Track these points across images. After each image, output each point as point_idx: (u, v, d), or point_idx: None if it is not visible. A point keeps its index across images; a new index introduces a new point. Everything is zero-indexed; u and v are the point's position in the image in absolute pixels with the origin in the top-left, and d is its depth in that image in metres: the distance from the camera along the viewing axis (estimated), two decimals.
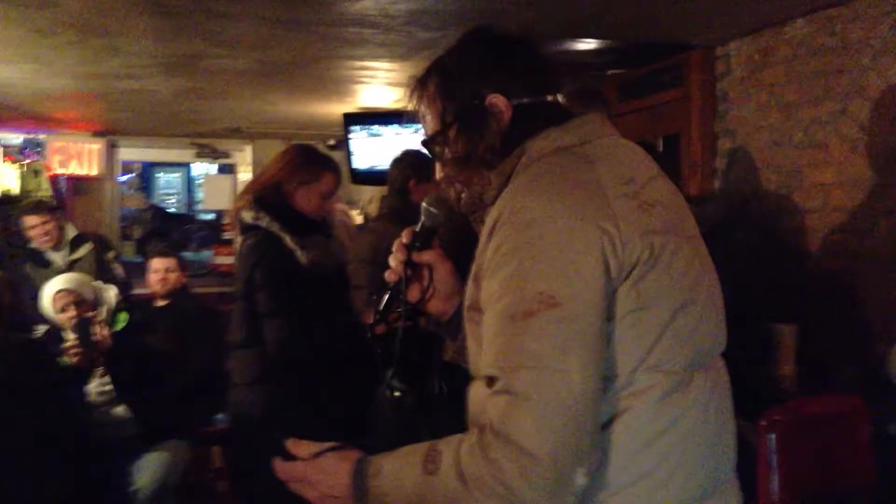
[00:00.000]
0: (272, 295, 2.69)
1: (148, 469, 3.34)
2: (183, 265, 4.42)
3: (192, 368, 3.78)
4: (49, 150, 7.82)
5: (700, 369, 1.19)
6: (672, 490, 1.15)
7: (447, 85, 1.32)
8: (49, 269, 4.56)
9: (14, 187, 6.80)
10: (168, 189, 17.64)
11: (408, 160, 3.44)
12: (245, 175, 8.75)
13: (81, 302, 3.46)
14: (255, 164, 8.41)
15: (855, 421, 2.42)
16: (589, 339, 1.08)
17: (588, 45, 4.17)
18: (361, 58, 4.52)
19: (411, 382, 1.76)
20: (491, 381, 1.10)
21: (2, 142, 7.23)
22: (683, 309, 1.16)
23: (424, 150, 1.40)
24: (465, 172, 1.32)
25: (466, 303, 1.27)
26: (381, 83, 5.30)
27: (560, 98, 1.32)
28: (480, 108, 1.29)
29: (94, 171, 8.18)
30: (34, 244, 4.73)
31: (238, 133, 8.14)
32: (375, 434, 2.44)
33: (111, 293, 3.73)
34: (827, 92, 3.46)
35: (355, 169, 6.28)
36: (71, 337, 3.31)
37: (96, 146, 8.16)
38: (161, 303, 4.27)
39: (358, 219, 6.86)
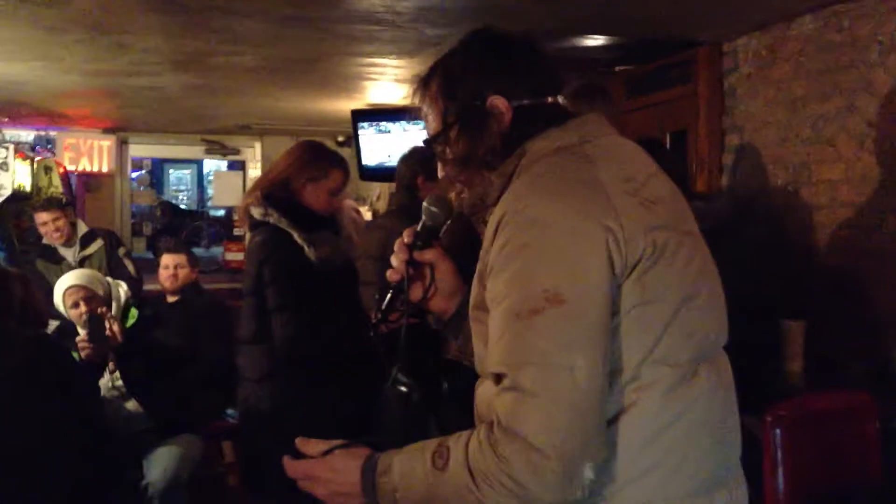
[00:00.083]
0: (281, 291, 2.70)
1: (159, 463, 3.37)
2: (193, 261, 4.45)
3: (202, 364, 3.81)
4: (60, 146, 7.88)
5: (704, 362, 1.21)
6: (679, 482, 1.17)
7: (449, 85, 1.34)
8: (60, 266, 4.60)
9: (26, 184, 6.84)
10: (179, 185, 17.71)
11: (416, 157, 3.45)
12: (255, 171, 8.79)
13: (92, 298, 3.49)
14: (265, 160, 8.44)
15: (862, 417, 2.42)
16: (594, 335, 1.09)
17: (596, 41, 4.17)
18: (370, 54, 4.54)
19: (417, 378, 1.78)
20: (498, 378, 1.12)
21: (13, 139, 7.29)
22: (686, 303, 1.18)
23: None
24: (466, 173, 1.34)
25: (471, 302, 1.29)
26: (389, 80, 5.31)
27: (561, 99, 1.34)
28: (481, 109, 1.30)
29: (104, 168, 8.23)
30: (46, 240, 4.77)
31: (247, 130, 8.17)
32: (382, 430, 2.46)
33: (122, 289, 3.75)
34: (834, 88, 3.45)
35: (364, 165, 6.29)
36: (82, 332, 3.34)
37: (107, 143, 8.20)
38: (172, 299, 4.30)
39: (367, 215, 6.89)
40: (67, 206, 5.01)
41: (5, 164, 6.45)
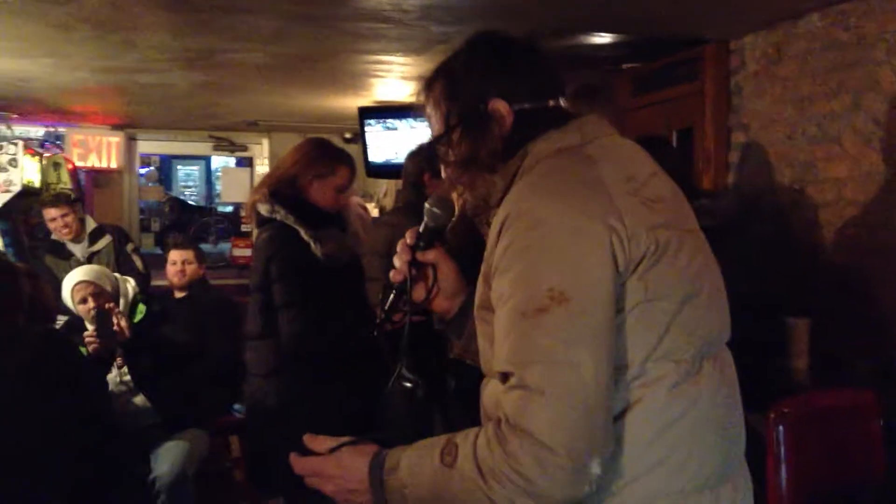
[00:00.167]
0: (287, 287, 2.72)
1: (167, 458, 3.39)
2: (201, 257, 4.47)
3: (209, 359, 3.83)
4: (69, 143, 7.90)
5: (708, 358, 1.22)
6: (686, 477, 1.18)
7: (452, 88, 1.35)
8: (69, 261, 4.63)
9: (35, 180, 6.87)
10: (187, 181, 17.74)
11: (423, 154, 3.46)
12: (262, 168, 8.80)
13: (101, 293, 3.51)
14: (272, 157, 8.45)
15: (866, 415, 2.43)
16: (600, 333, 1.11)
17: (602, 38, 4.17)
18: (376, 52, 4.55)
19: (421, 375, 1.79)
20: (505, 376, 1.14)
21: (22, 135, 7.31)
22: (689, 300, 1.19)
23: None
24: (468, 175, 1.36)
25: (476, 303, 1.30)
26: (396, 77, 5.32)
27: (562, 102, 1.35)
28: (483, 112, 1.31)
29: (113, 164, 8.26)
30: (54, 236, 4.80)
31: (255, 126, 8.18)
32: (387, 426, 2.48)
33: (130, 285, 3.78)
34: (841, 86, 3.45)
35: (370, 162, 6.31)
36: (90, 328, 3.36)
37: (115, 139, 8.23)
38: (179, 294, 4.32)
39: (374, 211, 6.90)
40: (76, 202, 5.03)
41: (14, 160, 6.47)
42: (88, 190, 8.20)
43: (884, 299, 3.25)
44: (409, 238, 1.47)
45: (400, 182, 3.69)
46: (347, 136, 7.68)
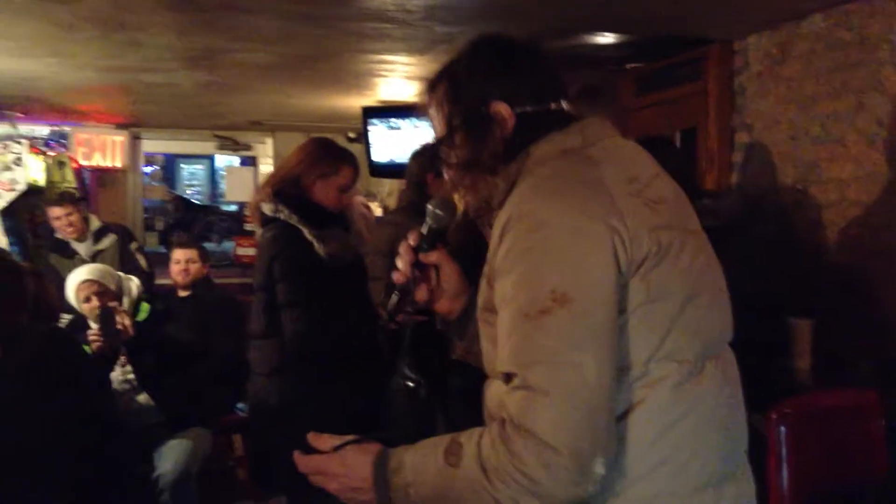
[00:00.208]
0: (291, 287, 2.73)
1: (170, 456, 3.40)
2: (204, 256, 4.48)
3: (213, 358, 3.84)
4: (74, 142, 7.91)
5: (711, 358, 1.23)
6: (689, 476, 1.19)
7: (454, 90, 1.36)
8: (73, 260, 4.63)
9: (40, 179, 6.88)
10: (191, 180, 17.76)
11: (426, 154, 3.46)
12: (266, 167, 8.82)
13: (105, 292, 3.52)
14: (276, 156, 8.47)
15: (869, 415, 2.43)
16: (602, 334, 1.12)
17: (606, 38, 4.17)
18: (380, 52, 4.56)
19: (424, 374, 1.81)
20: (508, 377, 1.14)
21: (27, 134, 7.33)
22: (691, 300, 1.20)
23: None
24: (469, 177, 1.36)
25: (479, 304, 1.31)
26: (400, 77, 5.33)
27: (564, 104, 1.35)
28: (485, 115, 1.32)
29: (117, 163, 8.28)
30: (59, 235, 4.81)
31: (259, 126, 8.20)
32: (390, 425, 2.49)
33: (134, 284, 3.78)
34: (844, 87, 3.45)
35: (374, 162, 6.32)
36: (94, 326, 3.37)
37: (120, 138, 8.25)
38: (183, 293, 4.33)
39: (378, 211, 6.91)
40: (80, 200, 5.04)
41: (19, 159, 6.49)
42: (93, 189, 8.22)
43: (887, 300, 3.25)
44: (411, 239, 1.48)
45: (403, 181, 3.69)
46: (351, 135, 7.69)
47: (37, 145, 7.21)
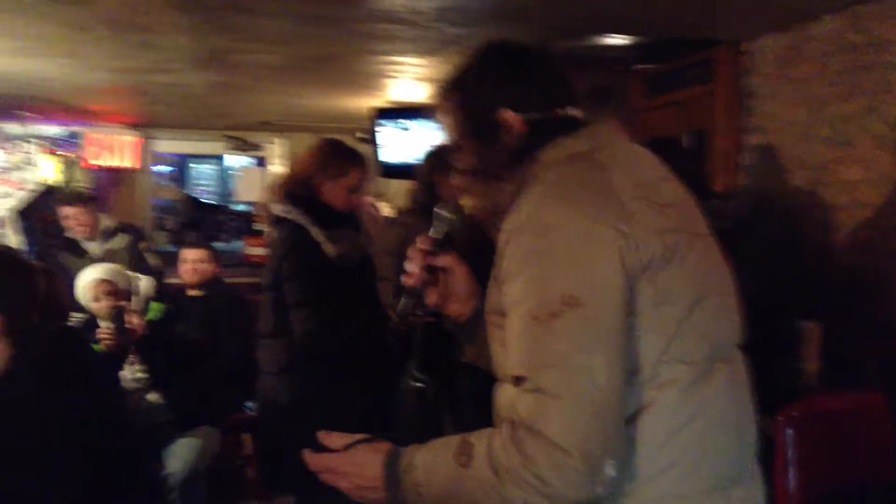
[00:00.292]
0: (300, 286, 2.74)
1: (180, 454, 3.42)
2: (214, 256, 4.49)
3: (222, 357, 3.86)
4: (86, 142, 7.96)
5: (720, 360, 1.23)
6: (700, 478, 1.20)
7: (463, 98, 1.37)
8: (85, 259, 4.65)
9: (52, 178, 6.93)
10: (202, 180, 17.80)
11: (436, 155, 3.47)
12: (276, 167, 8.84)
13: (116, 291, 3.54)
14: (286, 156, 8.50)
15: (876, 417, 2.42)
16: (611, 336, 1.12)
17: (615, 40, 4.17)
18: (390, 53, 4.57)
19: (432, 375, 1.81)
20: (518, 380, 1.15)
21: (40, 134, 7.37)
22: (700, 303, 1.20)
23: None
24: (478, 183, 1.38)
25: (489, 307, 1.32)
26: (409, 78, 5.34)
27: (573, 110, 1.36)
28: (493, 122, 1.33)
29: (129, 163, 8.32)
30: (71, 234, 4.83)
31: (269, 126, 8.23)
32: (399, 424, 2.50)
33: (145, 283, 3.81)
34: (854, 89, 3.44)
35: (383, 162, 6.33)
36: (105, 325, 3.40)
37: (131, 138, 8.30)
38: (193, 292, 4.34)
39: (386, 211, 6.91)
40: (91, 200, 5.06)
41: (31, 158, 6.53)
42: (104, 188, 8.26)
43: (895, 302, 3.24)
44: (421, 243, 1.49)
45: (412, 182, 3.70)
46: (361, 136, 7.70)
47: (49, 145, 7.26)
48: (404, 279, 1.48)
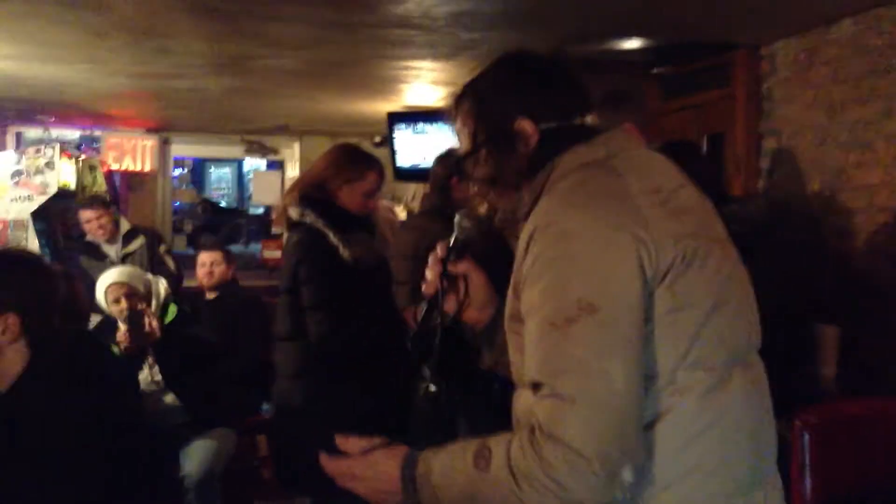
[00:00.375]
0: (315, 290, 2.75)
1: (196, 456, 3.43)
2: (229, 259, 4.52)
3: (239, 359, 3.88)
4: (105, 146, 8.03)
5: (738, 366, 1.23)
6: (719, 483, 1.19)
7: (479, 107, 1.37)
8: (103, 262, 4.69)
9: (71, 182, 6.98)
10: (219, 184, 17.91)
11: (451, 158, 3.47)
12: (293, 171, 8.88)
13: (133, 294, 3.56)
14: (303, 160, 8.54)
15: (895, 423, 2.41)
16: (629, 342, 1.12)
17: (633, 43, 4.16)
18: (406, 58, 4.58)
19: (448, 380, 1.81)
20: (536, 386, 1.15)
21: (60, 138, 7.45)
22: (718, 309, 1.20)
23: None
24: (494, 191, 1.38)
25: (507, 314, 1.32)
26: (425, 82, 5.35)
27: (589, 119, 1.35)
28: (509, 131, 1.33)
29: (147, 167, 8.38)
30: (89, 237, 4.88)
31: (286, 130, 8.27)
32: (414, 428, 2.50)
33: (162, 286, 3.83)
34: (873, 92, 3.41)
35: (399, 166, 6.34)
36: (123, 328, 3.42)
37: (150, 142, 8.36)
38: (210, 295, 4.38)
39: (402, 215, 6.93)
40: (111, 204, 5.11)
41: (51, 163, 6.58)
42: (123, 192, 8.33)
43: None
44: (439, 251, 1.49)
45: (427, 186, 3.70)
46: (377, 139, 7.73)
47: (68, 149, 7.32)
48: (423, 288, 1.49)
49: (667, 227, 1.18)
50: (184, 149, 9.73)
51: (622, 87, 4.65)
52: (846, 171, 3.58)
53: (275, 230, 9.17)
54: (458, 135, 1.42)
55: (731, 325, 1.22)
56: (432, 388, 1.85)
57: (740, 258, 1.31)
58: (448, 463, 1.20)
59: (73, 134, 7.91)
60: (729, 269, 1.25)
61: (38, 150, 6.57)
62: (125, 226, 4.98)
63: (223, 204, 16.27)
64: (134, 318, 3.37)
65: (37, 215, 6.32)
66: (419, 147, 6.13)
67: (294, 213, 2.83)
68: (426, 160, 5.65)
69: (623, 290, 1.13)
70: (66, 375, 2.24)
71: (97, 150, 7.97)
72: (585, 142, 1.30)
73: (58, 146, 6.76)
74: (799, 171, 3.87)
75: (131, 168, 8.25)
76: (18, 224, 6.24)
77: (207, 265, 4.36)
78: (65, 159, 6.92)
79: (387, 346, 2.78)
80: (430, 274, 1.49)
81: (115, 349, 3.33)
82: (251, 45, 4.25)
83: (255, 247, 11.86)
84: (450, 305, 1.50)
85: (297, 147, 8.87)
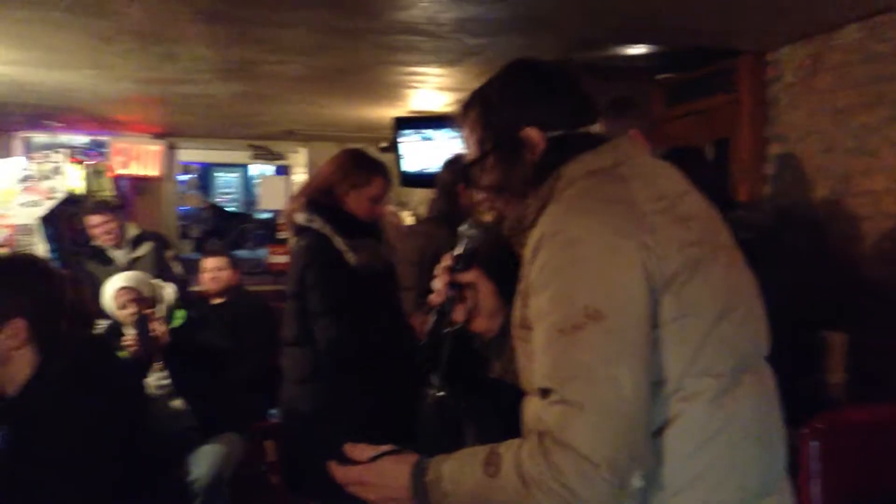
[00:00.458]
0: (322, 295, 2.76)
1: (204, 461, 3.44)
2: (235, 264, 4.53)
3: (246, 364, 3.89)
4: (112, 151, 8.05)
5: (747, 372, 1.24)
6: (728, 490, 1.20)
7: (487, 115, 1.38)
8: (111, 267, 4.70)
9: (78, 187, 7.01)
10: (226, 189, 17.94)
11: (457, 164, 3.48)
12: (299, 176, 8.89)
13: (141, 299, 3.58)
14: (310, 165, 8.55)
15: None
16: (636, 349, 1.13)
17: (638, 49, 4.17)
18: (412, 64, 4.59)
19: (454, 386, 1.82)
20: (545, 392, 1.16)
21: (67, 143, 7.47)
22: (725, 315, 1.21)
23: None
24: (501, 199, 1.39)
25: (515, 322, 1.33)
26: (431, 88, 5.36)
27: (595, 128, 1.37)
28: (516, 140, 1.34)
29: (154, 172, 8.40)
30: (97, 242, 4.89)
31: (292, 136, 8.28)
32: (422, 435, 2.50)
33: (169, 291, 3.84)
34: (878, 98, 3.41)
35: (405, 172, 6.35)
36: (130, 332, 3.43)
37: (156, 148, 8.38)
38: (217, 300, 4.39)
39: (409, 220, 6.94)
40: (118, 209, 5.12)
41: (58, 168, 6.61)
42: (130, 197, 8.34)
43: None
44: (447, 261, 1.50)
45: (433, 191, 3.71)
46: (383, 145, 7.74)
47: (76, 154, 7.34)
48: (431, 297, 1.49)
49: (672, 234, 1.19)
50: (190, 154, 9.75)
51: (627, 93, 4.64)
52: (852, 177, 3.58)
53: (281, 235, 9.19)
54: (465, 142, 1.43)
55: (739, 332, 1.23)
56: (439, 393, 1.85)
57: (747, 264, 1.32)
58: (458, 470, 1.20)
59: (80, 139, 7.93)
60: (735, 276, 1.26)
61: (45, 155, 6.60)
62: (132, 231, 4.99)
63: (230, 209, 16.28)
64: (140, 323, 3.38)
65: (45, 220, 6.34)
66: (425, 152, 6.14)
67: (301, 218, 2.85)
68: (432, 166, 5.66)
69: (629, 297, 1.14)
70: (73, 380, 2.25)
71: (104, 156, 8.00)
72: (592, 150, 1.31)
73: (65, 151, 6.79)
74: (804, 177, 3.86)
75: (138, 173, 8.27)
76: (27, 229, 6.26)
77: (213, 270, 4.38)
78: (72, 164, 6.95)
79: (394, 352, 2.79)
80: (438, 283, 1.50)
81: (122, 354, 3.34)
82: (258, 50, 4.26)
83: (261, 251, 11.87)
84: (459, 315, 1.51)
85: (303, 152, 8.88)
